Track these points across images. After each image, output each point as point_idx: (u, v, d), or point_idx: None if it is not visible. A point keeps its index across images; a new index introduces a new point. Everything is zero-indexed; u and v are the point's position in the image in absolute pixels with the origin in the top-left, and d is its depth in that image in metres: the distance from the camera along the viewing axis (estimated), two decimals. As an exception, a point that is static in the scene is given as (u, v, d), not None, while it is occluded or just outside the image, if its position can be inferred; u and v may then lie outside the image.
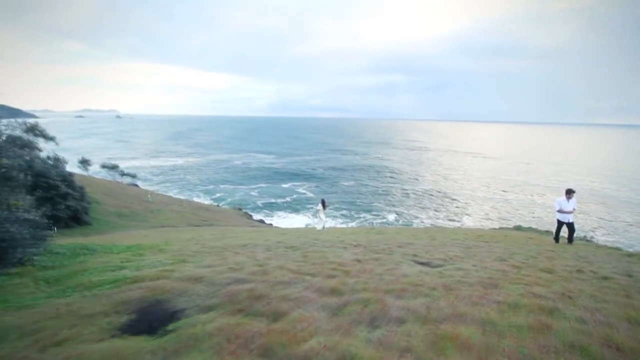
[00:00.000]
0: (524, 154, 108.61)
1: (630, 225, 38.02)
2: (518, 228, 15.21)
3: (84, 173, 35.32)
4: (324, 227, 14.50)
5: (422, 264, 5.40)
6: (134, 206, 21.85)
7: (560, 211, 9.66)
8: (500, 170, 73.80)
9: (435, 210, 45.48)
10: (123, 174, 39.30)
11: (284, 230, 14.22)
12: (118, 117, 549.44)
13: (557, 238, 10.11)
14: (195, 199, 49.32)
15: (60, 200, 15.33)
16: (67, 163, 19.61)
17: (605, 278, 4.50)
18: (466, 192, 53.74)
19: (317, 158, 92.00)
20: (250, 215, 29.79)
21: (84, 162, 36.35)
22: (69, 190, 16.12)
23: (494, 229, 17.22)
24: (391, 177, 67.09)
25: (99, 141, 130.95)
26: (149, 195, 25.70)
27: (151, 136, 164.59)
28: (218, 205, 33.93)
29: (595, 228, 36.70)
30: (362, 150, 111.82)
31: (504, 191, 54.93)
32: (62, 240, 11.99)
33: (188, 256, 5.78)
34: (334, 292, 3.80)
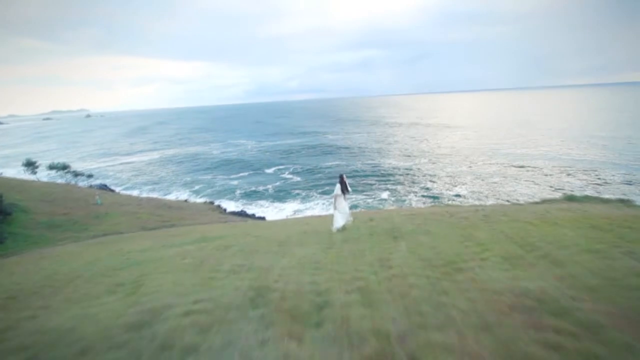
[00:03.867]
0: (505, 123, 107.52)
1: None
2: (571, 198, 11.72)
3: (31, 177, 30.66)
4: (344, 226, 8.78)
5: None
6: (74, 212, 17.77)
7: None
8: (485, 142, 71.39)
9: (430, 182, 42.92)
10: (76, 175, 34.39)
11: (232, 232, 9.35)
12: (88, 116, 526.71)
13: None
14: (172, 195, 45.55)
15: (-59, 215, 11.32)
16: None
17: None
18: (455, 166, 51.20)
19: (298, 141, 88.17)
20: (224, 209, 25.93)
21: (30, 165, 31.38)
22: (-42, 201, 12.07)
23: (536, 203, 13.47)
24: (377, 154, 64.22)
25: (62, 143, 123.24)
26: (97, 197, 21.56)
27: (121, 133, 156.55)
28: (186, 201, 29.96)
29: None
30: (342, 130, 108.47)
31: (492, 163, 52.62)
32: None
33: None
34: None
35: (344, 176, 9.17)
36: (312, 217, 15.57)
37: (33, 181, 27.67)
